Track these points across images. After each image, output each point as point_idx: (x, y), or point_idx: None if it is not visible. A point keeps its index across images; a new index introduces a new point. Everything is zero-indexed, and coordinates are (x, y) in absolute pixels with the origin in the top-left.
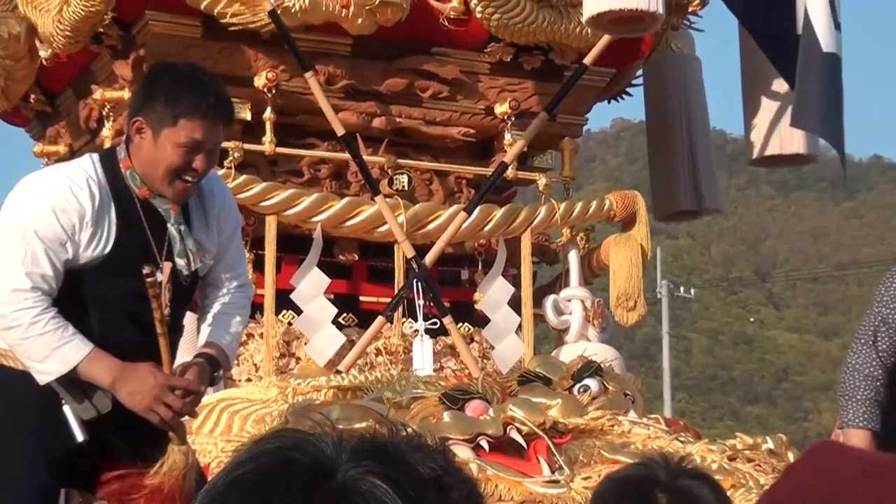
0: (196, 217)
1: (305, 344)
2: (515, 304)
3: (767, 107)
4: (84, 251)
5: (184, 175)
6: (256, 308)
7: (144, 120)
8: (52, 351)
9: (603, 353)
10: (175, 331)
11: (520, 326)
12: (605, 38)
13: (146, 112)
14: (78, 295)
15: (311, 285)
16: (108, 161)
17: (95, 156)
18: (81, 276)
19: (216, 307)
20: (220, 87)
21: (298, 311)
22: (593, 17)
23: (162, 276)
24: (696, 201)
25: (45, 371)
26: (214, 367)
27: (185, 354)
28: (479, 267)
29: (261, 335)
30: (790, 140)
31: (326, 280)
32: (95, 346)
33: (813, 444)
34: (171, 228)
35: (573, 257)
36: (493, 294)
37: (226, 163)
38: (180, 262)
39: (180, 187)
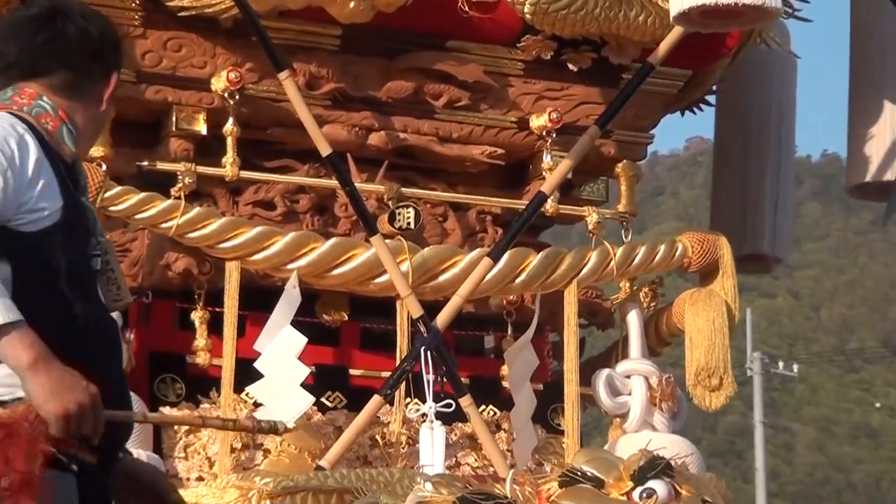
0: None
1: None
2: (557, 381)
3: (884, 122)
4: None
5: None
6: (212, 383)
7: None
8: None
9: (674, 447)
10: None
11: (554, 409)
12: (678, 31)
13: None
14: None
15: (282, 347)
16: (27, 123)
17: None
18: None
19: None
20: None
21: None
22: (684, 12)
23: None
24: (772, 244)
25: None
26: None
27: None
28: (509, 332)
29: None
30: None
31: (302, 340)
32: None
33: None
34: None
35: (634, 320)
36: (519, 367)
37: (173, 191)
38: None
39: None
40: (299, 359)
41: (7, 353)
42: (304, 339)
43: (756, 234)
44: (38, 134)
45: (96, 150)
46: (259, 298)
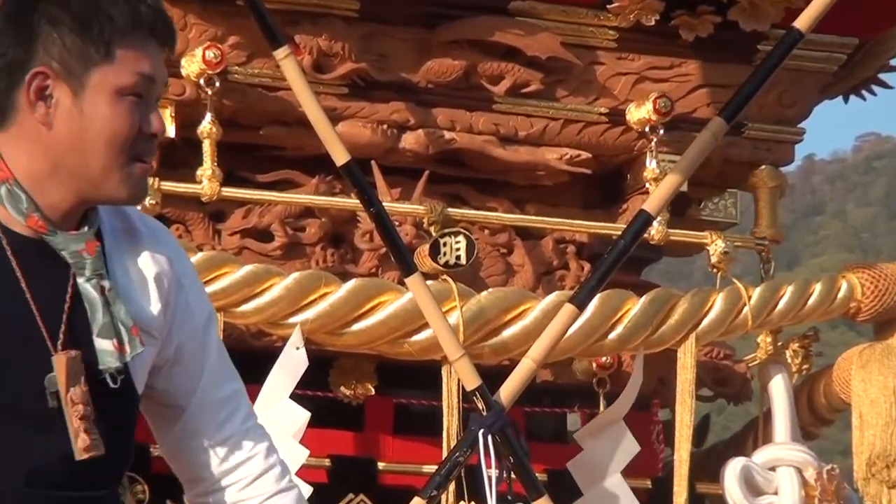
0: (121, 269)
1: None
2: (671, 475)
3: None
4: None
5: (141, 149)
6: None
7: (49, 70)
8: None
9: None
10: (103, 483)
11: None
12: None
13: (45, 54)
14: None
15: (276, 425)
16: None
17: None
18: None
19: None
20: None
21: None
22: None
23: (60, 378)
24: None
25: None
26: None
27: None
28: (601, 408)
29: None
30: None
31: (303, 415)
32: None
33: None
34: (86, 287)
35: (780, 389)
36: (604, 454)
37: None
38: (104, 345)
39: (139, 174)
40: (300, 442)
41: None
42: (307, 414)
43: None
44: None
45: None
46: (251, 365)
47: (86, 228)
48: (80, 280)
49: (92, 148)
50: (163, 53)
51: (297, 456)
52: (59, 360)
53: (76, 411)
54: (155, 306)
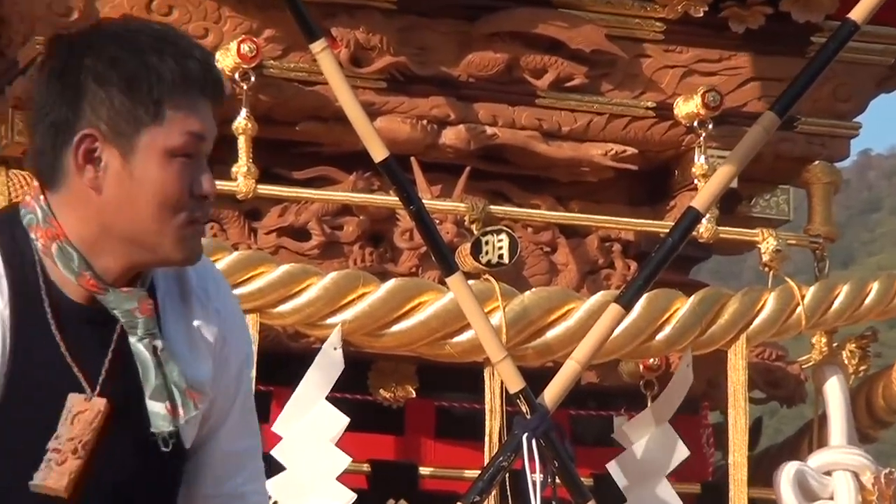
0: (174, 328)
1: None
2: (722, 480)
3: None
4: None
5: (192, 210)
6: None
7: (98, 132)
8: None
9: None
10: None
11: None
12: None
13: (92, 115)
14: None
15: (313, 430)
16: (8, 234)
17: None
18: None
19: None
20: (192, 41)
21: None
22: None
23: (84, 421)
24: None
25: None
26: None
27: None
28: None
29: None
30: None
31: (342, 420)
32: None
33: None
34: (139, 347)
35: (835, 391)
36: (648, 456)
37: None
38: (156, 408)
39: (192, 235)
40: (338, 446)
41: None
42: (346, 420)
43: None
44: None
45: None
46: (288, 367)
47: (139, 287)
48: (132, 340)
49: (143, 212)
50: (213, 109)
51: (338, 462)
52: (93, 403)
53: (75, 447)
54: (206, 365)
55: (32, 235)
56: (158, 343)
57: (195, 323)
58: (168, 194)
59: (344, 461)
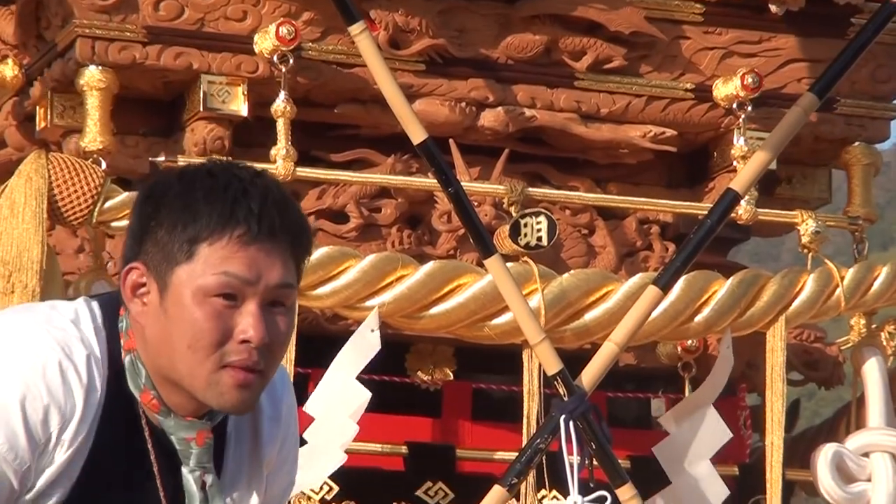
0: (235, 460)
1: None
2: (758, 462)
3: None
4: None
5: (231, 355)
6: None
7: (144, 265)
8: None
9: None
10: None
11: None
12: None
13: (144, 252)
14: None
15: (337, 402)
16: (109, 331)
17: (97, 310)
18: None
19: None
20: (273, 190)
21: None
22: None
23: None
24: None
25: None
26: None
27: None
28: (687, 392)
29: None
30: None
31: (364, 394)
32: None
33: None
34: (189, 479)
35: (874, 372)
36: (691, 439)
37: None
38: None
39: (230, 382)
40: (374, 427)
41: None
42: (368, 394)
43: None
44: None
45: (93, 142)
46: (326, 350)
47: (205, 420)
48: (183, 469)
49: (176, 351)
50: (275, 251)
51: (347, 431)
52: None
53: None
54: (257, 498)
55: (121, 340)
56: (209, 479)
57: (261, 453)
58: (196, 335)
59: (352, 431)
